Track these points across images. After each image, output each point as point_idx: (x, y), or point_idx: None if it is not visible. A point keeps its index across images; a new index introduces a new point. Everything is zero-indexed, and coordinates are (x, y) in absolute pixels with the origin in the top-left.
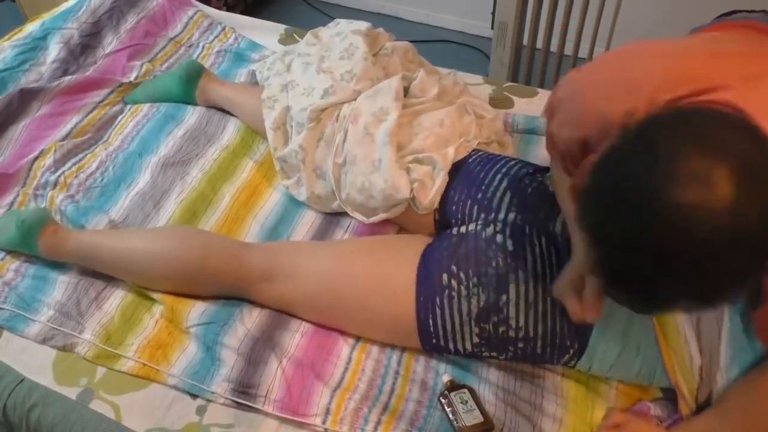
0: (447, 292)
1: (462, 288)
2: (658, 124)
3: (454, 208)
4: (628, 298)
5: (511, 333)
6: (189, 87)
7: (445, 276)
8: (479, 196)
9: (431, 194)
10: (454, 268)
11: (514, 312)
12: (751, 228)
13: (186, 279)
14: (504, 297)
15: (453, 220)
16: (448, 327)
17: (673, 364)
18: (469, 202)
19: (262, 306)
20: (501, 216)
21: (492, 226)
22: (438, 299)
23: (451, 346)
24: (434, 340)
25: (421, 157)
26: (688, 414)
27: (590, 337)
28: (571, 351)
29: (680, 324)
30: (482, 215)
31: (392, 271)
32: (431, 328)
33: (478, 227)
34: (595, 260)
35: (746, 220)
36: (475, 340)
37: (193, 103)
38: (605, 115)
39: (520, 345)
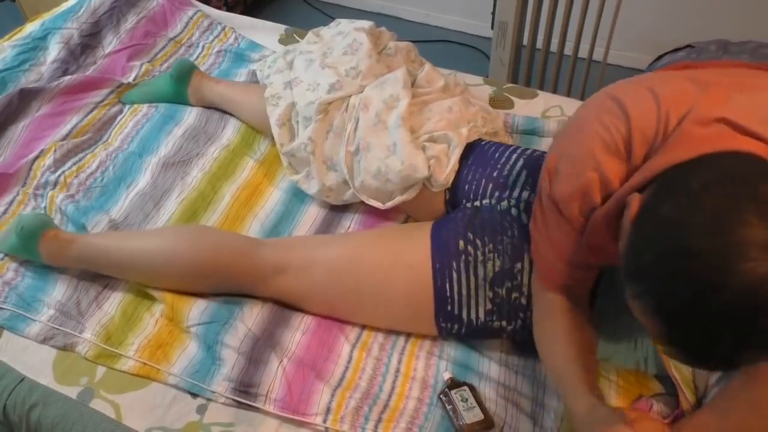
0: (464, 257)
1: (478, 253)
2: (706, 185)
3: (467, 187)
4: (697, 365)
5: (523, 300)
6: (180, 86)
7: (461, 242)
8: (495, 174)
9: (447, 171)
10: (470, 235)
11: (527, 280)
12: None
13: (197, 277)
14: (519, 265)
15: (464, 200)
16: (464, 291)
17: (670, 362)
18: (484, 180)
19: (263, 301)
20: (515, 194)
21: (506, 201)
22: (455, 264)
23: (464, 314)
24: (449, 307)
25: (435, 136)
26: (688, 408)
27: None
28: None
29: None
30: (497, 193)
31: (406, 248)
32: (447, 293)
33: (493, 201)
34: (660, 335)
35: None
36: (488, 306)
37: (186, 103)
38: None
39: (530, 313)
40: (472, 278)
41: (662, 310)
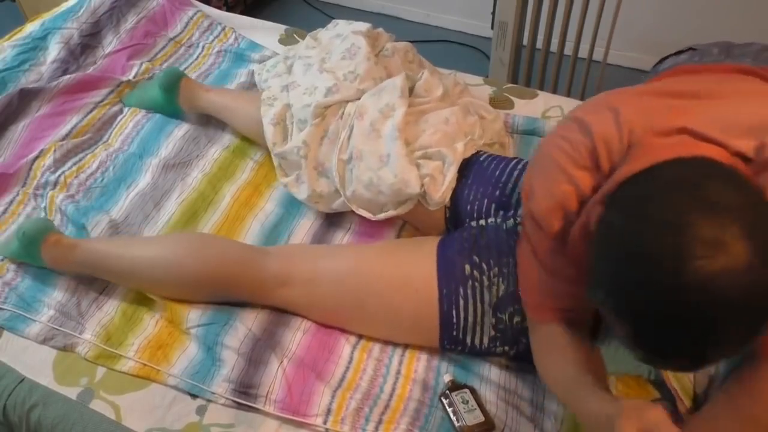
0: (470, 282)
1: (484, 278)
2: (651, 192)
3: (469, 207)
4: (671, 366)
5: (525, 323)
6: (170, 95)
7: (467, 266)
8: (497, 193)
9: (442, 189)
10: (476, 258)
11: None
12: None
13: (200, 287)
14: None
15: (468, 219)
16: (470, 318)
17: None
18: (486, 200)
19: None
20: (521, 211)
21: (512, 219)
22: (462, 290)
23: (468, 339)
24: (454, 332)
25: (430, 153)
26: (684, 412)
27: (600, 327)
28: None
29: None
30: (501, 212)
31: (412, 268)
32: (454, 319)
33: (498, 220)
34: (629, 339)
35: (764, 270)
36: (492, 333)
37: (179, 112)
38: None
39: None
40: (478, 305)
41: (623, 316)
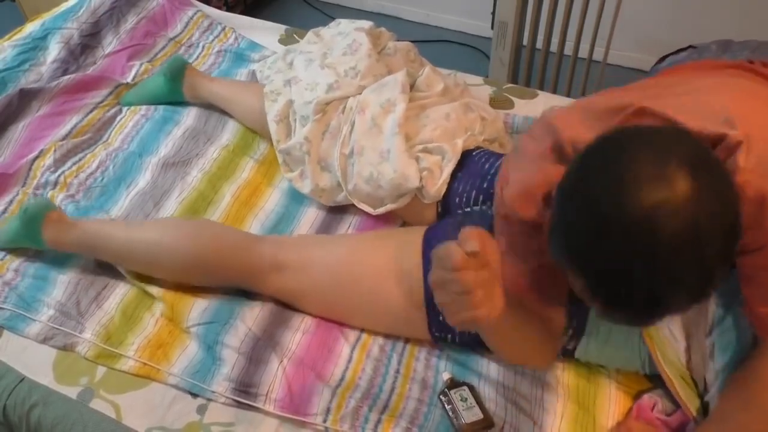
0: None
1: None
2: (603, 144)
3: (457, 200)
4: (629, 314)
5: None
6: (175, 84)
7: None
8: (485, 185)
9: (438, 183)
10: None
11: None
12: (715, 212)
13: (196, 269)
14: None
15: (456, 211)
16: None
17: (657, 353)
18: (474, 192)
19: (263, 302)
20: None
21: None
22: None
23: None
24: (441, 317)
25: (430, 147)
26: (689, 410)
27: (588, 315)
28: (570, 331)
29: None
30: (488, 203)
31: (401, 254)
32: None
33: (484, 207)
34: (586, 288)
35: (709, 205)
36: None
37: (183, 100)
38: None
39: None
40: None
41: (576, 263)
